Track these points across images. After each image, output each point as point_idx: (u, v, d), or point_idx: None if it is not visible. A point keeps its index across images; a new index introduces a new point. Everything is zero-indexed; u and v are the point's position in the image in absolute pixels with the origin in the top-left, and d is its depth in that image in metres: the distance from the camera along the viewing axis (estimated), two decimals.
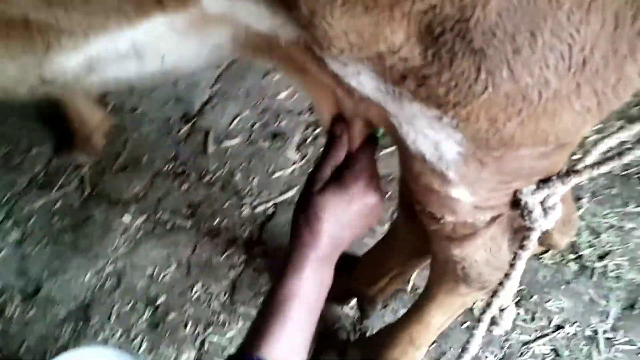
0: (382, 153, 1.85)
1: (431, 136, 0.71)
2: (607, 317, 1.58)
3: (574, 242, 1.71)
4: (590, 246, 1.71)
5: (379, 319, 1.60)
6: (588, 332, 1.56)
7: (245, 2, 0.66)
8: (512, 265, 0.90)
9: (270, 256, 1.74)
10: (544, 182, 0.82)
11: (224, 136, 2.04)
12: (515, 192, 0.82)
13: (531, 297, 1.62)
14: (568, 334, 1.56)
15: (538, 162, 0.76)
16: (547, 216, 0.82)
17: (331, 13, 0.58)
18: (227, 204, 1.87)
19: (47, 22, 0.72)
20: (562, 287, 1.63)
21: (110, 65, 0.78)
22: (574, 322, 1.58)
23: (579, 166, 0.81)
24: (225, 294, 1.69)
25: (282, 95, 2.14)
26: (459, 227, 0.89)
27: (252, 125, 2.06)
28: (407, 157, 0.78)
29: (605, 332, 1.56)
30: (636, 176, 1.87)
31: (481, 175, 0.75)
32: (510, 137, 0.67)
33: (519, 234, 0.97)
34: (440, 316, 1.23)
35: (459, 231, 0.90)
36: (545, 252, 1.68)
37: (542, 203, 0.82)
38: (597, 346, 1.53)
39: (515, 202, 0.83)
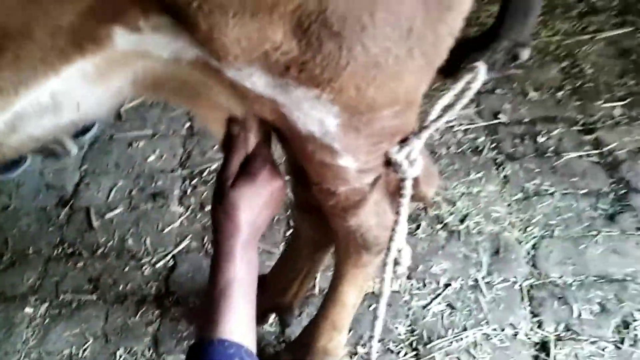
0: None
1: (316, 115, 0.90)
2: (481, 266, 1.86)
3: (438, 214, 2.00)
4: (451, 214, 2.00)
5: (299, 326, 1.75)
6: (470, 283, 1.83)
7: (152, 35, 0.81)
8: (397, 213, 1.12)
9: (183, 303, 1.83)
10: (404, 141, 1.06)
11: (106, 209, 2.10)
12: (386, 154, 1.05)
13: (417, 267, 1.86)
14: (455, 288, 1.82)
15: (395, 120, 0.97)
16: (414, 166, 1.06)
17: (225, 24, 0.75)
18: (126, 268, 1.93)
19: None
20: (439, 252, 1.90)
21: (30, 121, 0.89)
22: (458, 277, 1.84)
23: (425, 123, 1.06)
24: (149, 350, 1.75)
25: (151, 158, 2.26)
26: (351, 195, 1.09)
27: (130, 192, 2.15)
28: (300, 141, 0.97)
29: (483, 278, 1.83)
30: (469, 151, 2.22)
31: (358, 141, 0.96)
32: (372, 100, 0.88)
33: (395, 197, 1.20)
34: (353, 292, 1.42)
35: (351, 199, 1.11)
36: (417, 227, 1.95)
37: (407, 157, 1.06)
38: (481, 291, 1.80)
39: (388, 162, 1.06)
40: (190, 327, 1.77)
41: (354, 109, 0.89)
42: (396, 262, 1.16)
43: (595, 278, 1.81)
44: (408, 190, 1.09)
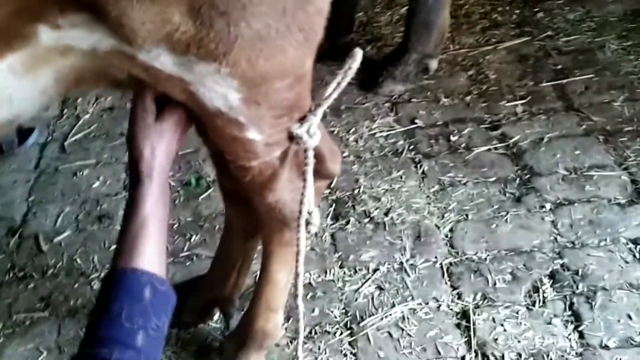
0: (202, 197, 2.21)
1: (219, 90, 1.06)
2: (405, 251, 2.05)
3: (365, 210, 2.19)
4: (377, 209, 2.20)
5: None
6: (396, 266, 2.01)
7: (71, 31, 0.97)
8: (304, 179, 1.29)
9: None
10: (303, 118, 1.24)
11: (54, 234, 2.22)
12: (288, 131, 1.23)
13: (348, 257, 2.04)
14: (383, 272, 1.99)
15: (290, 93, 1.14)
16: (312, 137, 1.24)
17: (131, 9, 0.91)
18: (76, 285, 2.04)
19: None
20: (367, 242, 2.08)
21: None
22: (385, 262, 2.02)
23: (319, 102, 1.25)
24: None
25: (96, 184, 2.39)
26: (263, 169, 1.27)
27: (77, 217, 2.27)
28: (210, 117, 1.13)
29: (407, 261, 2.02)
30: (390, 153, 2.44)
31: (260, 113, 1.13)
32: (264, 72, 1.05)
33: (299, 170, 1.37)
34: (283, 271, 1.57)
35: (265, 173, 1.28)
36: (347, 223, 2.14)
37: (307, 132, 1.24)
38: (406, 272, 1.99)
39: (290, 137, 1.24)
40: None
41: (250, 81, 1.06)
42: (308, 222, 1.33)
43: (506, 252, 2.02)
44: (311, 159, 1.27)
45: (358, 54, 1.21)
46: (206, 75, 1.04)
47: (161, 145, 1.15)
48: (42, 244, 2.18)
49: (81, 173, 2.44)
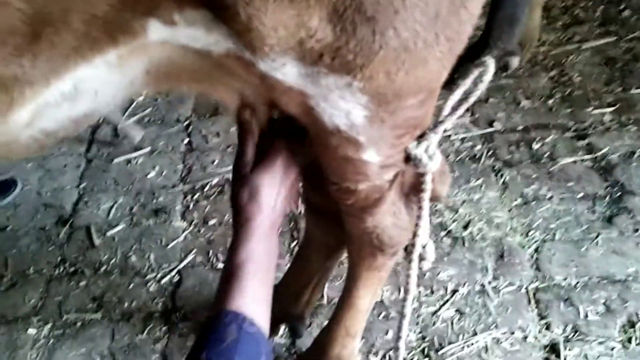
0: None
1: (343, 106, 0.91)
2: (487, 271, 1.88)
3: (441, 222, 2.02)
4: (454, 221, 2.03)
5: (309, 337, 1.74)
6: (477, 288, 1.85)
7: (186, 29, 0.82)
8: (420, 207, 1.13)
9: (191, 318, 1.82)
10: (422, 136, 1.08)
11: (107, 227, 2.08)
12: (405, 150, 1.06)
13: (424, 275, 1.88)
14: (463, 294, 1.83)
15: (419, 110, 0.99)
16: (433, 160, 1.08)
17: (265, 12, 0.76)
18: (131, 285, 1.91)
19: (14, 76, 0.81)
20: (445, 259, 1.92)
21: (48, 112, 0.88)
22: (464, 283, 1.86)
23: (440, 118, 1.08)
24: None
25: (151, 174, 2.25)
26: (370, 193, 1.11)
27: (131, 209, 2.14)
28: (324, 135, 0.97)
29: (489, 282, 1.86)
30: (467, 159, 2.26)
31: (382, 132, 0.98)
32: (400, 87, 0.89)
33: (410, 196, 1.22)
34: (367, 297, 1.42)
35: (371, 197, 1.12)
36: None
37: (426, 152, 1.08)
38: (488, 295, 1.82)
39: (407, 157, 1.08)
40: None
41: (382, 97, 0.91)
42: (421, 258, 1.18)
43: (598, 279, 1.84)
44: (428, 185, 1.11)
45: (489, 64, 1.03)
46: (333, 90, 0.89)
47: (266, 187, 1.07)
48: (94, 237, 2.05)
49: (135, 161, 2.29)
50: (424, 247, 1.18)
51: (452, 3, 0.85)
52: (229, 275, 1.00)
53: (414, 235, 1.16)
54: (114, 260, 1.98)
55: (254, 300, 0.99)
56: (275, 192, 1.08)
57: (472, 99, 1.09)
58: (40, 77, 0.82)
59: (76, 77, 0.86)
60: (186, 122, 2.48)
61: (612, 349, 1.68)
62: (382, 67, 0.86)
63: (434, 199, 1.37)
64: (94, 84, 0.91)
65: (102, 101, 0.98)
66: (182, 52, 0.89)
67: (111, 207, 2.15)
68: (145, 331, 1.79)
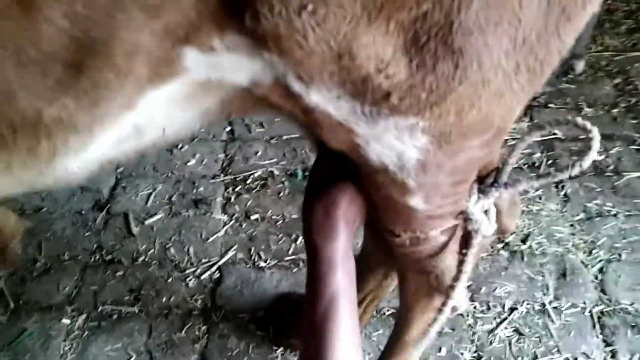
0: None
1: (397, 147, 0.78)
2: (547, 290, 1.76)
3: None
4: (513, 233, 1.91)
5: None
6: (537, 307, 1.73)
7: (227, 56, 0.68)
8: (462, 262, 1.02)
9: (232, 319, 1.72)
10: (483, 192, 0.96)
11: (145, 215, 1.99)
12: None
13: (480, 289, 1.76)
14: (522, 312, 1.72)
15: (482, 151, 0.86)
16: (489, 218, 0.97)
17: (338, 33, 0.62)
18: (170, 279, 1.82)
19: (59, 117, 0.70)
20: (502, 273, 1.80)
21: (107, 149, 0.78)
22: (523, 301, 1.74)
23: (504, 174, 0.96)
24: None
25: (192, 162, 2.15)
26: (416, 243, 0.99)
27: (170, 198, 2.04)
28: (369, 171, 0.85)
29: (550, 302, 1.74)
30: (525, 166, 2.13)
31: (438, 179, 0.85)
32: (469, 127, 0.76)
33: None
34: (419, 342, 1.30)
35: (418, 246, 1.00)
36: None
37: (481, 209, 0.97)
38: (549, 316, 1.70)
39: (461, 212, 0.96)
40: (241, 343, 1.66)
41: (446, 137, 0.77)
42: (453, 310, 1.08)
43: None
44: (477, 242, 1.00)
45: (596, 135, 0.90)
46: (390, 131, 0.76)
47: (345, 200, 0.96)
48: (132, 225, 1.95)
49: (175, 148, 2.19)
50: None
51: (545, 29, 0.69)
52: (320, 319, 0.88)
53: (452, 287, 1.05)
54: (152, 251, 1.89)
55: (353, 346, 0.89)
56: (355, 208, 0.97)
57: (560, 176, 0.97)
58: (83, 123, 0.70)
59: (132, 122, 0.74)
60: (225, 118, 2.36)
61: None
62: (455, 105, 0.72)
63: (501, 232, 1.25)
64: (158, 123, 0.80)
65: (173, 133, 0.87)
66: (231, 91, 0.77)
67: (150, 195, 2.05)
68: (184, 329, 1.70)
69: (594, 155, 0.93)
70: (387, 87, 0.68)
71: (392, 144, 0.78)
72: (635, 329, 1.67)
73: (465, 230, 1.02)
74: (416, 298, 1.22)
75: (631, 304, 1.72)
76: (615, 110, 2.31)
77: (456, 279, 1.06)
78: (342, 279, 0.92)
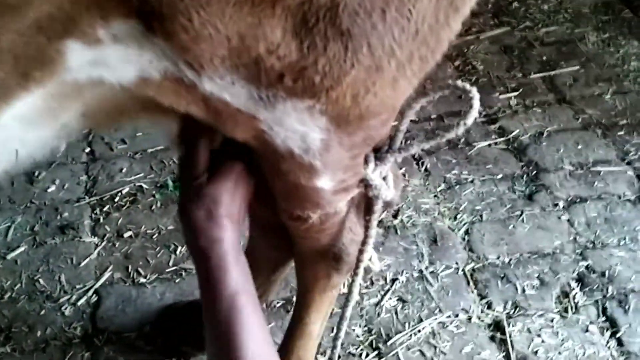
0: None
1: (299, 129, 0.80)
2: (422, 257, 1.86)
3: None
4: (383, 211, 1.99)
5: None
6: (415, 274, 1.82)
7: (114, 47, 0.66)
8: (367, 228, 1.08)
9: (117, 339, 1.64)
10: (380, 159, 1.01)
11: (6, 249, 1.85)
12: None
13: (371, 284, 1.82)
14: (403, 282, 1.80)
15: (380, 130, 0.91)
16: (389, 186, 1.03)
17: (222, 16, 0.63)
18: (42, 312, 1.70)
19: None
20: (380, 249, 1.88)
21: None
22: (402, 271, 1.82)
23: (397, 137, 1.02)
24: None
25: (52, 188, 2.03)
26: (324, 219, 1.02)
27: (33, 228, 1.91)
28: (275, 159, 0.86)
29: (427, 268, 1.84)
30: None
31: (340, 155, 0.88)
32: (366, 109, 0.80)
33: (361, 209, 1.15)
34: (319, 321, 1.32)
35: (325, 223, 1.04)
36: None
37: (380, 176, 1.02)
38: (427, 281, 1.80)
39: (362, 180, 1.00)
40: None
41: (344, 119, 0.81)
42: (367, 270, 1.13)
43: (529, 254, 1.88)
44: (379, 207, 1.05)
45: (475, 95, 0.98)
46: (289, 114, 0.78)
47: (226, 197, 0.94)
48: None
49: (34, 176, 2.06)
50: (369, 259, 1.13)
51: (437, 20, 0.74)
52: (224, 321, 0.86)
53: (361, 251, 1.10)
54: (18, 285, 1.76)
55: (265, 341, 0.88)
56: (238, 201, 0.95)
57: (448, 136, 1.04)
58: None
59: None
60: (85, 131, 2.26)
61: (552, 320, 1.71)
62: (350, 89, 0.75)
63: (387, 205, 1.32)
64: (9, 145, 0.74)
65: (28, 155, 0.81)
66: (112, 89, 0.74)
67: (9, 228, 1.91)
68: None
69: (475, 113, 0.99)
70: (279, 68, 0.69)
71: (295, 127, 0.79)
72: (504, 279, 1.81)
73: (366, 197, 1.06)
74: (315, 281, 1.24)
75: (497, 258, 1.87)
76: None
77: (364, 242, 1.11)
78: (237, 278, 0.89)
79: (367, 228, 1.07)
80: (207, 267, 0.91)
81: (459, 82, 1.00)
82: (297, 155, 0.84)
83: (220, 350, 0.88)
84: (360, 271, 1.13)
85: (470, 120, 0.98)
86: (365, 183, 1.00)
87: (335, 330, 1.29)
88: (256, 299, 0.93)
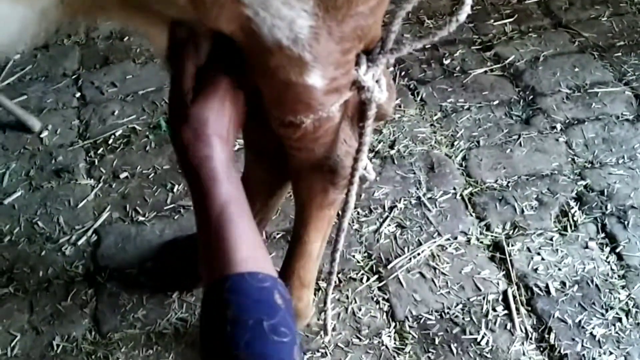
0: None
1: (287, 14, 0.79)
2: (420, 184, 1.86)
3: None
4: (380, 142, 1.98)
5: None
6: (413, 201, 1.82)
7: None
8: (362, 134, 1.06)
9: (119, 276, 1.65)
10: (372, 61, 0.99)
11: (3, 195, 1.84)
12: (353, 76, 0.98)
13: (360, 196, 1.82)
14: (401, 208, 1.80)
15: (369, 19, 0.89)
16: (381, 88, 1.00)
17: None
18: (43, 253, 1.70)
19: None
20: (377, 178, 1.86)
21: None
22: (400, 198, 1.82)
23: (389, 38, 0.99)
24: (91, 332, 1.55)
25: (45, 134, 2.01)
26: (317, 126, 1.01)
27: (28, 174, 1.90)
28: (262, 55, 0.85)
29: (424, 194, 1.83)
30: None
31: (329, 47, 0.86)
32: None
33: (354, 120, 1.14)
34: (317, 240, 1.32)
35: (319, 130, 1.02)
36: None
37: (373, 78, 1.00)
38: (426, 206, 1.80)
39: (354, 82, 0.99)
40: (133, 297, 1.60)
41: (331, 1, 0.79)
42: (362, 180, 1.12)
43: (526, 177, 1.88)
44: (373, 112, 1.03)
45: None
46: None
47: (213, 117, 0.93)
48: None
49: (22, 123, 2.03)
50: (364, 168, 1.12)
51: None
52: (215, 229, 0.85)
53: (356, 160, 1.08)
54: (17, 229, 1.76)
55: (257, 246, 0.86)
56: (225, 120, 0.94)
57: (441, 34, 1.01)
58: None
59: None
60: (74, 76, 2.23)
61: (551, 238, 1.72)
62: None
63: (381, 117, 1.30)
64: None
65: (6, 39, 0.80)
66: None
67: (4, 174, 1.90)
68: (69, 297, 1.60)
69: (467, 9, 0.96)
70: None
71: (281, 11, 0.78)
72: (502, 201, 1.81)
73: (359, 101, 1.05)
74: (312, 196, 1.24)
75: (495, 181, 1.86)
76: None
77: (359, 150, 1.09)
78: (228, 188, 0.89)
79: (361, 135, 1.06)
80: (198, 182, 0.90)
81: None
82: (285, 46, 0.82)
83: (210, 257, 0.88)
84: (356, 180, 1.12)
85: (462, 17, 0.95)
86: (357, 85, 0.98)
87: (333, 243, 1.29)
88: (247, 209, 0.92)
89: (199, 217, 0.90)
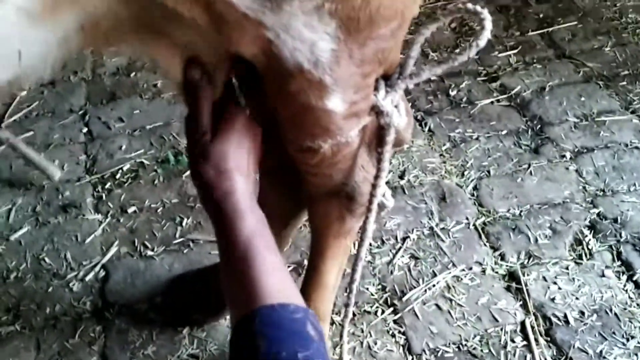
0: (185, 175, 1.87)
1: (308, 37, 0.78)
2: (432, 214, 1.84)
3: None
4: (390, 172, 1.97)
5: None
6: (426, 232, 1.80)
7: None
8: (380, 161, 1.05)
9: (128, 311, 1.61)
10: (391, 86, 0.98)
11: (9, 231, 1.81)
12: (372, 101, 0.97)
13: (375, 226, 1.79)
14: (414, 239, 1.77)
15: (389, 42, 0.88)
16: (400, 112, 1.00)
17: None
18: (50, 289, 1.66)
19: None
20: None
21: None
22: (413, 229, 1.80)
23: (408, 63, 0.99)
24: None
25: (50, 169, 1.99)
26: (336, 151, 0.99)
27: (35, 209, 1.88)
28: (282, 79, 0.84)
29: (437, 225, 1.81)
30: None
31: (350, 70, 0.86)
32: (376, 11, 0.79)
33: (372, 146, 1.13)
34: (334, 271, 1.30)
35: (337, 155, 1.01)
36: None
37: (393, 103, 0.99)
38: (439, 237, 1.78)
39: (373, 107, 0.98)
40: (142, 333, 1.56)
41: (353, 23, 0.79)
42: (380, 207, 1.10)
43: (539, 205, 1.86)
44: (391, 137, 1.03)
45: (487, 17, 0.94)
46: (297, 16, 0.76)
47: (233, 152, 0.93)
48: None
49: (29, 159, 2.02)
50: (383, 196, 1.11)
51: None
52: (241, 263, 0.83)
53: (374, 186, 1.07)
54: (24, 265, 1.72)
55: (285, 279, 0.85)
56: (244, 153, 0.94)
57: (461, 59, 1.01)
58: None
59: None
60: (81, 112, 2.23)
61: (567, 267, 1.69)
62: None
63: (399, 143, 1.29)
64: (12, 43, 0.73)
65: (30, 65, 0.80)
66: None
67: (10, 211, 1.87)
68: (77, 334, 1.56)
69: (487, 34, 0.94)
70: None
71: (303, 33, 0.78)
72: (515, 230, 1.79)
73: (378, 126, 1.04)
74: (329, 224, 1.21)
75: (507, 210, 1.84)
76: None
77: (377, 177, 1.08)
78: (252, 221, 0.88)
79: (379, 161, 1.05)
80: (222, 217, 0.90)
81: (469, 5, 0.96)
82: (306, 70, 0.81)
83: (238, 291, 0.86)
84: (374, 207, 1.10)
85: (482, 42, 0.94)
86: (376, 110, 0.97)
87: (350, 274, 1.26)
88: (273, 241, 0.91)
89: (224, 251, 0.89)
